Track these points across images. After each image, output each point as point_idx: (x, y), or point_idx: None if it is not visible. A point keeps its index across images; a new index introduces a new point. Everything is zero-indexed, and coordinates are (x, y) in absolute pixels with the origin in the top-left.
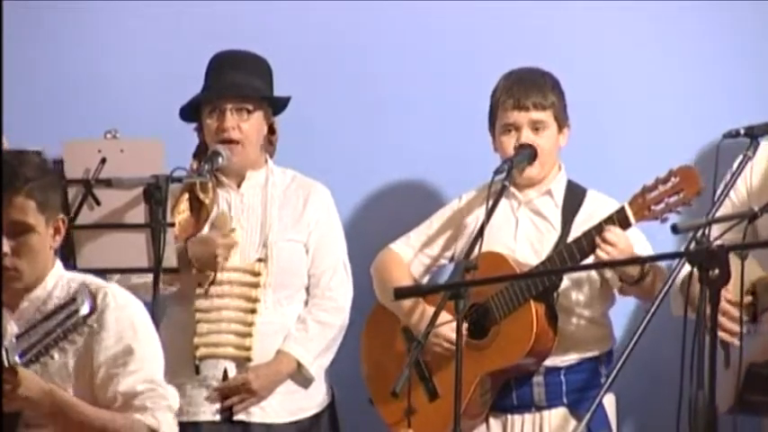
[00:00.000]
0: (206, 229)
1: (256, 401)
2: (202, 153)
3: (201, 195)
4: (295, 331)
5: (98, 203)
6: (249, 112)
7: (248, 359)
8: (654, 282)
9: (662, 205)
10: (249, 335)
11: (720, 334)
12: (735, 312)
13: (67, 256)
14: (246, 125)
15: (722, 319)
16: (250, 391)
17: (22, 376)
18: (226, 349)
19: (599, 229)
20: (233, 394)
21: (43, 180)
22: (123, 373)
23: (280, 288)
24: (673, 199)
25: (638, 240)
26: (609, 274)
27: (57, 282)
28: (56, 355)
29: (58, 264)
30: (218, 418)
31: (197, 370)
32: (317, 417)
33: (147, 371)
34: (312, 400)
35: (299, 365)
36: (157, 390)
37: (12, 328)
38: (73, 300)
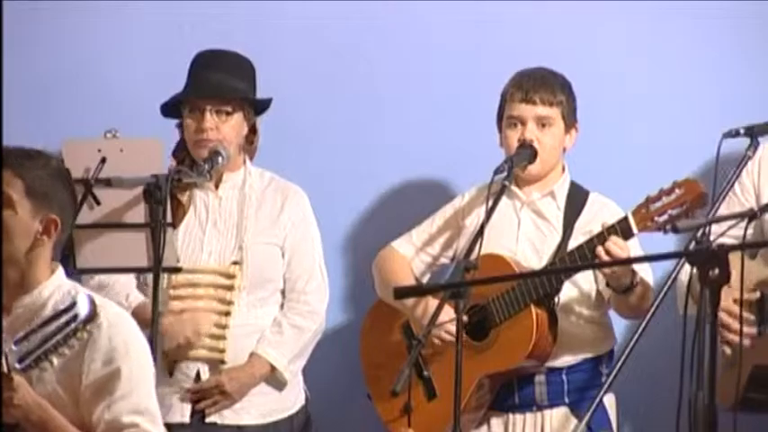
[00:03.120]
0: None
1: (229, 404)
2: (182, 151)
3: (178, 194)
4: (270, 334)
5: (98, 203)
6: (228, 113)
7: (222, 361)
8: (642, 297)
9: (665, 216)
10: (223, 337)
11: (728, 335)
12: (746, 314)
13: (67, 255)
14: (225, 126)
15: (729, 320)
16: (223, 394)
17: (18, 383)
18: (199, 351)
19: (601, 238)
20: (206, 396)
21: (40, 171)
22: (110, 400)
23: (254, 291)
24: (676, 211)
25: (635, 249)
26: (601, 285)
27: (54, 291)
28: (55, 361)
29: (59, 273)
30: (189, 419)
31: (170, 372)
32: (290, 419)
33: (134, 397)
34: (285, 403)
35: (273, 369)
36: (141, 426)
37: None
38: (73, 305)
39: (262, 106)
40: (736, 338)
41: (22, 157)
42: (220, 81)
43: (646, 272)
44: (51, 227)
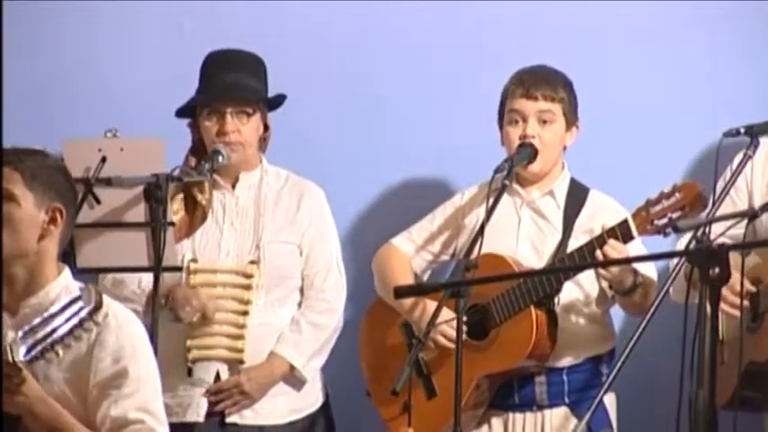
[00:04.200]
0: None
1: (249, 404)
2: (199, 151)
3: (199, 196)
4: (288, 333)
5: (98, 202)
6: (249, 114)
7: (240, 361)
8: (645, 296)
9: (665, 220)
10: (241, 337)
11: (724, 307)
12: (733, 299)
13: (67, 255)
14: (246, 128)
15: (728, 296)
16: (243, 393)
17: (25, 374)
18: (218, 351)
19: (601, 241)
20: (225, 396)
21: (37, 163)
22: (117, 396)
23: (272, 290)
24: (676, 214)
25: (637, 249)
26: (604, 283)
27: (60, 292)
28: (60, 352)
29: (66, 273)
30: (209, 419)
31: (189, 372)
32: (310, 417)
33: (141, 395)
34: (305, 401)
35: (292, 368)
36: (147, 423)
37: (10, 333)
38: (78, 298)
39: (276, 103)
40: (731, 311)
41: (18, 153)
42: (238, 82)
43: (649, 269)
44: (57, 215)
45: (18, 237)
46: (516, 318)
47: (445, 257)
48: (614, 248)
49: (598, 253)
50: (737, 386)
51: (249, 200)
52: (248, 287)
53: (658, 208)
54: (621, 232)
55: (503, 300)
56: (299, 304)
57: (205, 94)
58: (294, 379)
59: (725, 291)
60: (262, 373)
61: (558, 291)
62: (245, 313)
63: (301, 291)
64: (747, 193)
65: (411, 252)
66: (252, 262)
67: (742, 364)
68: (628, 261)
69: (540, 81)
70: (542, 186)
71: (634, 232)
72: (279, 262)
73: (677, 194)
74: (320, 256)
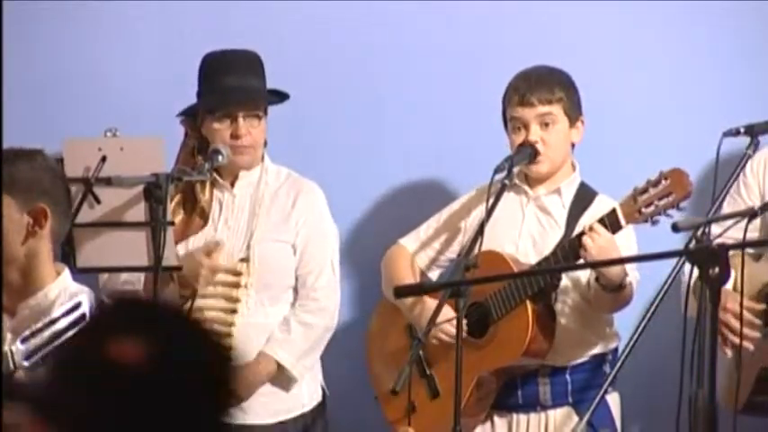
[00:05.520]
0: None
1: (236, 402)
2: (204, 150)
3: (201, 197)
4: (278, 332)
5: (98, 202)
6: (260, 117)
7: None
8: (627, 296)
9: (652, 208)
10: (229, 335)
11: (735, 339)
12: (751, 318)
13: (67, 254)
14: (257, 130)
15: (736, 324)
16: None
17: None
18: None
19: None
20: None
21: (18, 166)
22: None
23: (263, 289)
24: (663, 202)
25: (627, 246)
26: (591, 276)
27: (59, 293)
28: None
29: (65, 275)
30: None
31: None
32: (303, 417)
33: None
34: (296, 401)
35: (280, 367)
36: None
37: (9, 336)
38: (79, 304)
39: (276, 101)
40: (743, 343)
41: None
42: (248, 85)
43: (633, 271)
44: (41, 217)
45: (5, 243)
46: (513, 314)
47: (451, 255)
48: (596, 232)
49: (584, 239)
50: (751, 391)
51: (246, 198)
52: (237, 285)
53: (645, 196)
54: (610, 222)
55: (499, 296)
56: (293, 304)
57: (216, 98)
58: (284, 378)
59: (733, 320)
60: (249, 373)
61: (556, 286)
62: (234, 311)
63: (295, 290)
64: (759, 194)
65: (417, 250)
66: (242, 260)
67: (752, 369)
68: (626, 261)
69: (534, 85)
70: (550, 185)
71: (622, 221)
72: (270, 260)
73: (664, 182)
74: (314, 255)
